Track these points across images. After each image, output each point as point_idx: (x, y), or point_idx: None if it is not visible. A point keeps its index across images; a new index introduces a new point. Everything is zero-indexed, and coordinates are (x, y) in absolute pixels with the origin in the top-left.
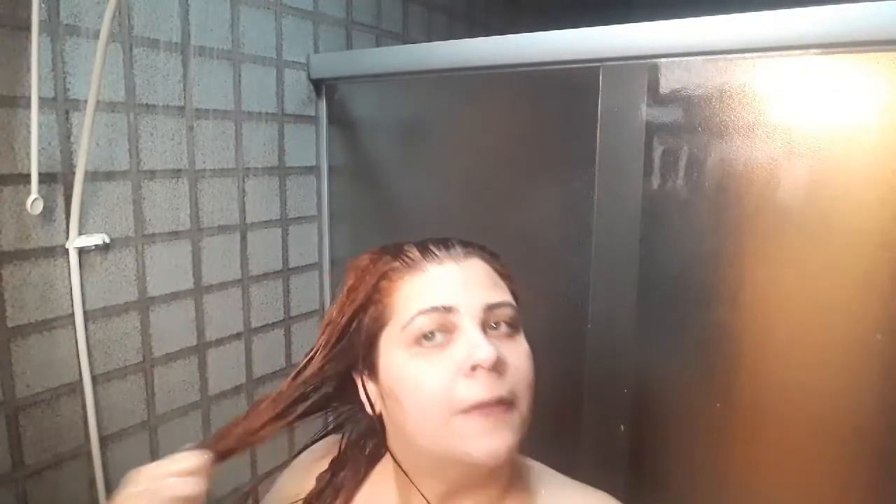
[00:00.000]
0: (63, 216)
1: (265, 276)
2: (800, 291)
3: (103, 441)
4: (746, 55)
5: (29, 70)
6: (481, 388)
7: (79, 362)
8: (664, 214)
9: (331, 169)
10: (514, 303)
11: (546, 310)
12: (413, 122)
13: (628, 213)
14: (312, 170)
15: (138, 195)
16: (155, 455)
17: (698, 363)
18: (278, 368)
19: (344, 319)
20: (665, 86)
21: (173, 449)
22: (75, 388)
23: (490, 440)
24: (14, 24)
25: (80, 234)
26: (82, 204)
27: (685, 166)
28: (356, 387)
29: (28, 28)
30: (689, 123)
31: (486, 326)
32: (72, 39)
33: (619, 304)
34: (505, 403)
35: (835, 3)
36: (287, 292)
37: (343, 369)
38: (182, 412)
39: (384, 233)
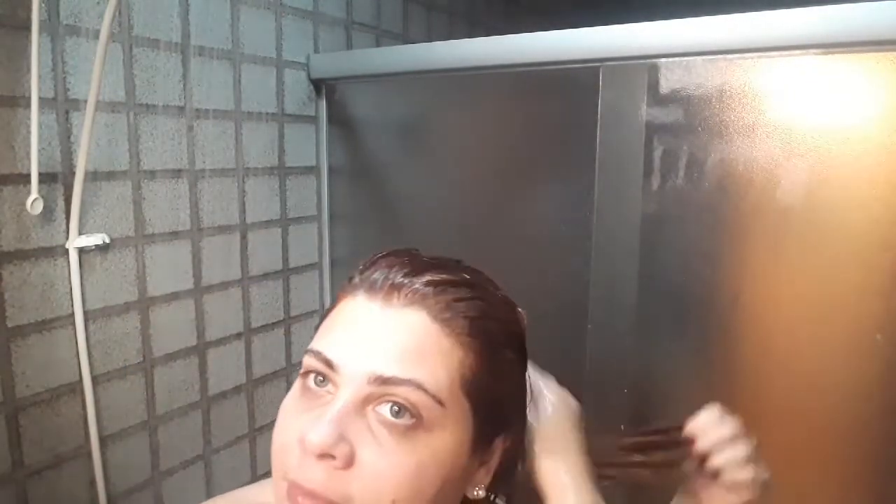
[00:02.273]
0: (63, 216)
1: (265, 276)
2: (800, 291)
3: (103, 441)
4: (746, 55)
5: (29, 70)
6: (307, 472)
7: (79, 362)
8: (664, 214)
9: (331, 169)
10: (430, 388)
11: (546, 310)
12: (413, 122)
13: (628, 213)
14: (312, 170)
15: (138, 195)
16: (155, 455)
17: (698, 363)
18: (278, 368)
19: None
20: (665, 86)
21: (173, 449)
22: (75, 388)
23: None
24: (14, 24)
25: (80, 234)
26: (82, 204)
27: (685, 166)
28: None
29: (28, 28)
30: (689, 123)
31: (367, 404)
32: (72, 39)
33: (619, 304)
34: (320, 501)
35: (835, 3)
36: (287, 292)
37: None
38: (182, 412)
39: (384, 233)
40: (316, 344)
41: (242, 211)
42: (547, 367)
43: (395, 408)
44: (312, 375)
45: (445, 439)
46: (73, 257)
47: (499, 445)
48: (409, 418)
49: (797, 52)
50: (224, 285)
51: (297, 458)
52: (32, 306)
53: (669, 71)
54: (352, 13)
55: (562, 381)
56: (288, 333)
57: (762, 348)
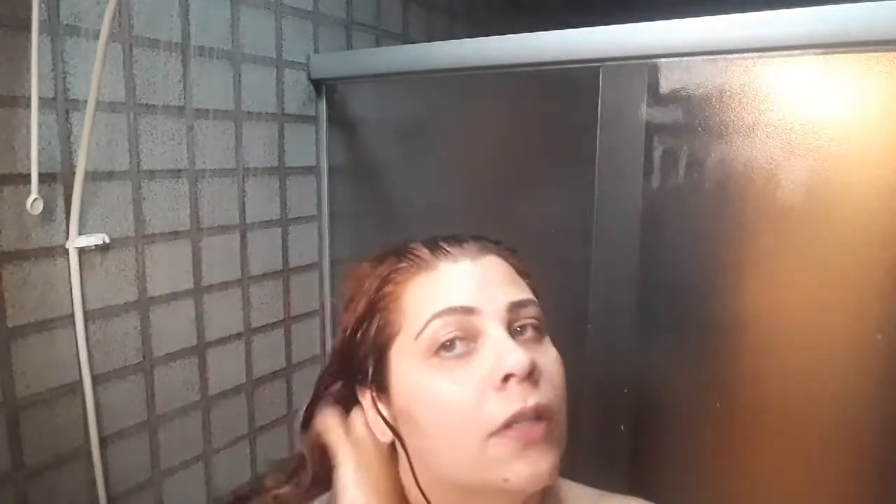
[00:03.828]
0: (63, 216)
1: (265, 276)
2: (800, 291)
3: (103, 441)
4: (746, 55)
5: (29, 70)
6: (516, 401)
7: (79, 362)
8: (664, 214)
9: (331, 169)
10: (536, 301)
11: (546, 309)
12: (413, 122)
13: (628, 213)
14: (312, 170)
15: (138, 195)
16: (155, 455)
17: (698, 363)
18: (278, 368)
19: (347, 335)
20: (665, 86)
21: (173, 449)
22: (75, 388)
23: (530, 463)
24: (14, 24)
25: (80, 234)
26: (82, 204)
27: (685, 166)
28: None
29: (28, 28)
30: (689, 123)
31: (511, 330)
32: (72, 39)
33: (619, 304)
34: (544, 417)
35: (835, 3)
36: (287, 292)
37: (351, 392)
38: (182, 412)
39: (384, 233)
40: (436, 307)
41: (242, 211)
42: None
43: (532, 325)
44: (442, 346)
45: (550, 341)
46: (73, 257)
47: None
48: (539, 333)
49: (797, 52)
50: (224, 285)
51: (498, 400)
52: (32, 306)
53: (669, 71)
54: (352, 13)
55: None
56: (288, 333)
57: (762, 348)
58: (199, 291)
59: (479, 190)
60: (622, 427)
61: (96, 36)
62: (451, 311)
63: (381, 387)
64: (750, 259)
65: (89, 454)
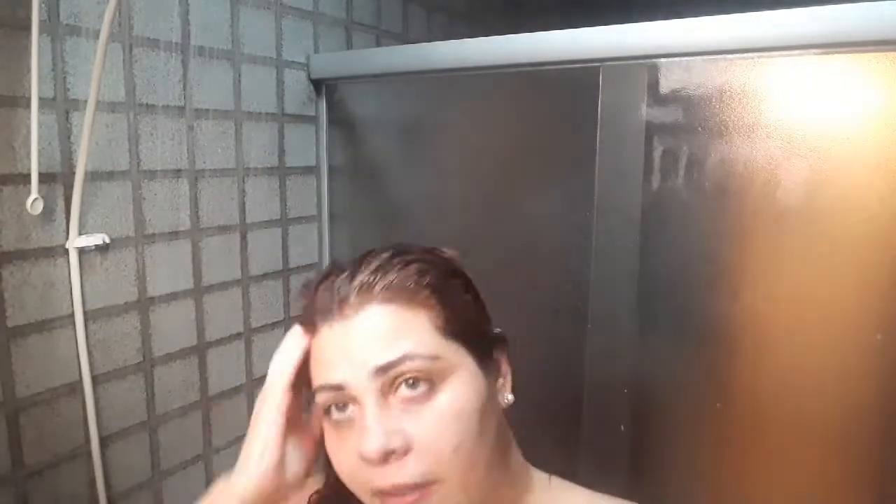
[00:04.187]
0: (63, 216)
1: (265, 276)
2: (800, 291)
3: (103, 441)
4: (746, 55)
5: (29, 70)
6: (384, 477)
7: (79, 362)
8: (664, 214)
9: (331, 169)
10: (421, 352)
11: (546, 309)
12: (413, 122)
13: (628, 213)
14: (312, 170)
15: (138, 195)
16: (155, 455)
17: (698, 363)
18: None
19: None
20: (665, 86)
21: (173, 449)
22: (75, 388)
23: None
24: (14, 24)
25: (80, 234)
26: (82, 204)
27: (685, 166)
28: None
29: (28, 28)
30: (689, 123)
31: (386, 392)
32: (72, 39)
33: (619, 304)
34: (419, 487)
35: (835, 3)
36: (287, 292)
37: None
38: (182, 412)
39: (384, 233)
40: (318, 379)
41: (242, 211)
42: (547, 366)
43: (410, 381)
44: (333, 408)
45: (462, 380)
46: (73, 257)
47: (499, 353)
48: (424, 384)
49: (797, 52)
50: (224, 285)
51: (371, 472)
52: (32, 306)
53: (669, 71)
54: (352, 13)
55: (562, 380)
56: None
57: (762, 348)
58: (199, 291)
59: (478, 190)
60: (622, 427)
61: (96, 36)
62: (326, 388)
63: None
64: (750, 259)
65: (89, 454)
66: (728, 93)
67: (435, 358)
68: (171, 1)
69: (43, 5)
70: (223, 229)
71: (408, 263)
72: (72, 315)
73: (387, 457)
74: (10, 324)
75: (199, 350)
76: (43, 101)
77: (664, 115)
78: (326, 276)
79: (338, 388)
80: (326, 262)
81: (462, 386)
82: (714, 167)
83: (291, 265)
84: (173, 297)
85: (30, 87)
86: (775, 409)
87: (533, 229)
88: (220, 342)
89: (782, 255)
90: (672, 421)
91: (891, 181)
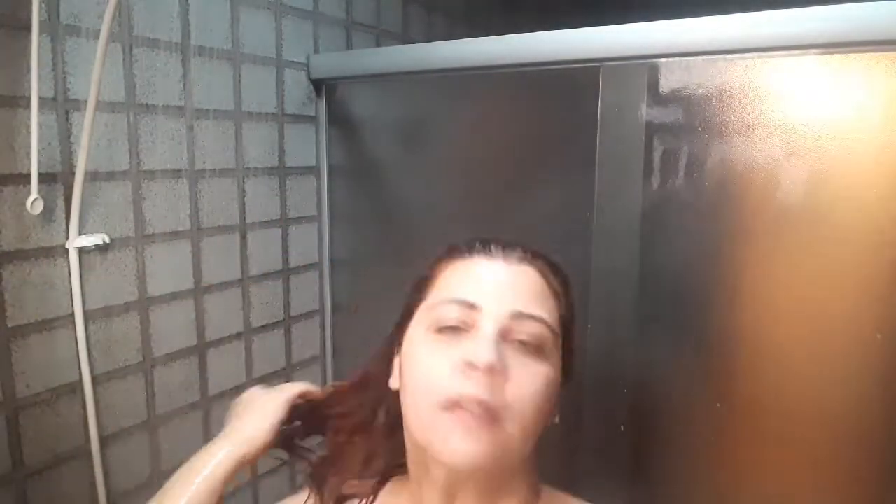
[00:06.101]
0: (63, 216)
1: (265, 276)
2: (800, 291)
3: (103, 441)
4: (746, 55)
5: (29, 70)
6: (468, 387)
7: (79, 362)
8: (664, 214)
9: (331, 169)
10: (550, 323)
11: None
12: (413, 122)
13: (628, 213)
14: (312, 170)
15: (138, 195)
16: (155, 455)
17: (698, 363)
18: (278, 368)
19: (406, 298)
20: (665, 86)
21: (173, 449)
22: (75, 388)
23: (460, 443)
24: (14, 24)
25: (80, 234)
26: (82, 204)
27: (685, 166)
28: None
29: (28, 28)
30: (689, 123)
31: (506, 334)
32: (72, 39)
33: (619, 304)
34: (488, 410)
35: (835, 3)
36: (287, 292)
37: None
38: (182, 412)
39: (384, 233)
40: (451, 294)
41: (242, 211)
42: None
43: (532, 340)
44: (447, 327)
45: (554, 369)
46: (73, 257)
47: (567, 378)
48: (537, 349)
49: (797, 52)
50: (224, 285)
51: (456, 380)
52: (32, 306)
53: (669, 71)
54: (352, 13)
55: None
56: (288, 333)
57: (762, 348)
58: (199, 291)
59: (478, 190)
60: (622, 427)
61: (96, 36)
62: (458, 302)
63: (400, 340)
64: (750, 259)
65: (89, 454)
66: (728, 93)
67: (556, 335)
68: (171, 1)
69: (43, 5)
70: (223, 229)
71: (554, 264)
72: (72, 315)
73: (491, 370)
74: (10, 324)
75: (199, 350)
76: (43, 101)
77: (664, 115)
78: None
79: (471, 305)
80: (326, 262)
81: (553, 373)
82: (714, 167)
83: (291, 265)
84: (173, 297)
85: (30, 87)
86: (775, 408)
87: (533, 229)
88: (220, 342)
89: (782, 254)
90: (672, 421)
91: (891, 181)
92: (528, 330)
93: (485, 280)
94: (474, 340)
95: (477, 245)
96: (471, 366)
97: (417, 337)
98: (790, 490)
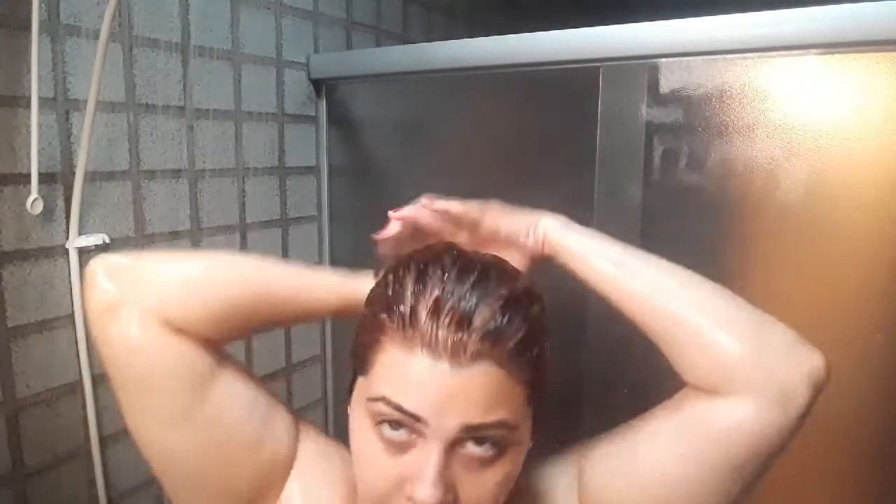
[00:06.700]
0: (63, 216)
1: None
2: (800, 291)
3: (103, 441)
4: (746, 55)
5: (29, 70)
6: None
7: (79, 362)
8: (664, 214)
9: (331, 169)
10: (511, 419)
11: (546, 310)
12: (413, 122)
13: (628, 213)
14: (312, 170)
15: (138, 195)
16: None
17: None
18: (278, 368)
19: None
20: (665, 86)
21: None
22: (75, 388)
23: None
24: (14, 24)
25: (80, 234)
26: (82, 204)
27: (685, 166)
28: None
29: (28, 28)
30: (689, 123)
31: (457, 444)
32: (72, 39)
33: None
34: None
35: (835, 3)
36: None
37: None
38: None
39: None
40: (390, 395)
41: (242, 211)
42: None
43: (491, 443)
44: (387, 424)
45: (522, 449)
46: (73, 257)
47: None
48: (494, 448)
49: (797, 52)
50: None
51: (402, 500)
52: (32, 306)
53: (669, 71)
54: (352, 13)
55: (562, 381)
56: (288, 333)
57: None
58: None
59: (478, 190)
60: None
61: (96, 36)
62: (398, 408)
63: (363, 369)
64: (749, 259)
65: (89, 454)
66: (728, 93)
67: (516, 429)
68: (171, 1)
69: (43, 5)
70: (223, 229)
71: (525, 331)
72: (72, 315)
73: None
74: (10, 324)
75: None
76: (43, 101)
77: (664, 115)
78: (420, 282)
79: (413, 417)
80: (327, 262)
81: (520, 456)
82: (714, 167)
83: None
84: None
85: (30, 87)
86: None
87: None
88: None
89: (782, 254)
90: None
91: (891, 181)
92: (483, 437)
93: (428, 388)
94: (417, 464)
95: (423, 325)
96: (411, 499)
97: (358, 419)
98: (789, 489)
